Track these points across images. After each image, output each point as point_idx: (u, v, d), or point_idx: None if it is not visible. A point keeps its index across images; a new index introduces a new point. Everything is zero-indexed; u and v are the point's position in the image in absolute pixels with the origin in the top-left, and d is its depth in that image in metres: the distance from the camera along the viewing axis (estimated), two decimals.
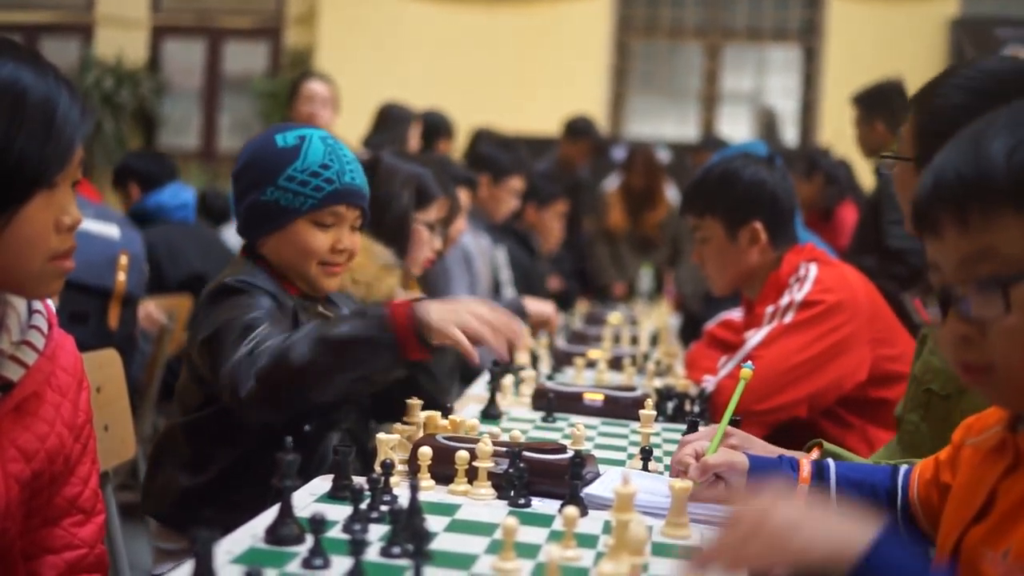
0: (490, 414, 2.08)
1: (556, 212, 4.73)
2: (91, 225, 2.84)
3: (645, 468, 1.66)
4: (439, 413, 1.71)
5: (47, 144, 1.12)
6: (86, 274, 2.77)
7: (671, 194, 6.23)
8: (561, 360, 2.82)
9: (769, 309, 2.24)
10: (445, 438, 1.56)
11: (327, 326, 1.56)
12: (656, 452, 1.73)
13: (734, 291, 2.48)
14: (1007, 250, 0.92)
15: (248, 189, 1.74)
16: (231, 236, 5.16)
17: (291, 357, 1.52)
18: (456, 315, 1.54)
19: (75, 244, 1.19)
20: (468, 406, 2.17)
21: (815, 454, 1.58)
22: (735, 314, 2.69)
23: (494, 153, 4.23)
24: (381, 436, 1.50)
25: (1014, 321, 0.92)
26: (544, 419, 2.08)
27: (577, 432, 1.74)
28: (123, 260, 2.89)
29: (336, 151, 1.76)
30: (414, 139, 4.94)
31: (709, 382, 2.21)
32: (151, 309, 3.35)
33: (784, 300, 2.22)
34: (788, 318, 2.18)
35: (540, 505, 1.42)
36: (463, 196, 3.24)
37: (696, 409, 2.08)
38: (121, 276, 2.88)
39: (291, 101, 4.79)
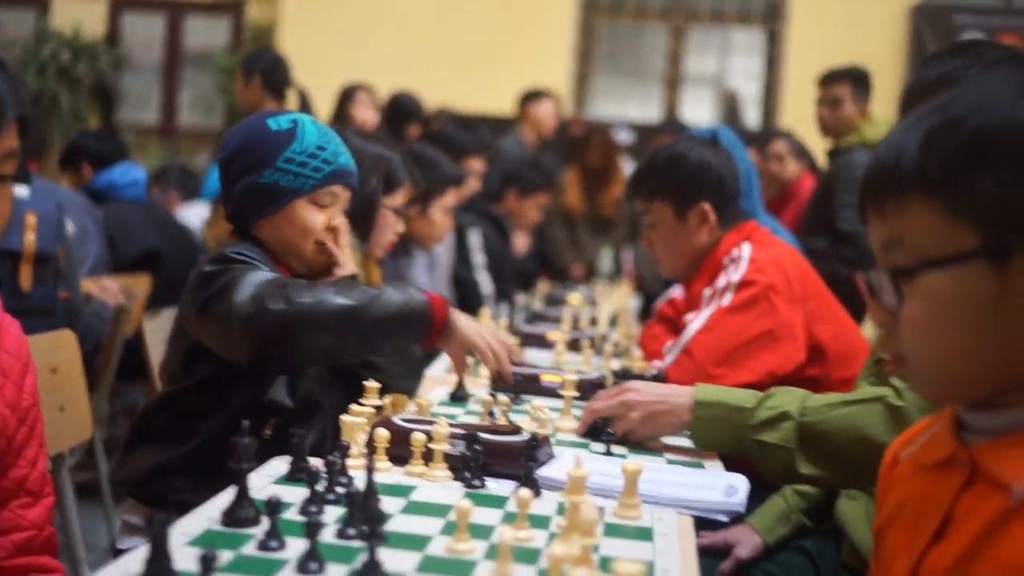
0: (457, 396, 2.10)
1: (536, 203, 4.81)
2: None
3: (608, 452, 1.69)
4: (405, 395, 1.74)
5: None
6: None
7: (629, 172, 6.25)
8: (521, 341, 2.84)
9: (707, 292, 2.27)
10: (402, 420, 1.57)
11: (365, 291, 1.61)
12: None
13: (685, 273, 2.50)
14: (913, 239, 0.91)
15: (242, 173, 1.75)
16: (191, 215, 5.12)
17: (325, 304, 1.57)
18: (477, 332, 1.70)
19: None
20: (436, 388, 2.18)
21: None
22: (678, 291, 2.72)
23: (454, 133, 4.22)
24: (344, 418, 1.51)
25: (909, 311, 0.91)
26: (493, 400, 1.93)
27: (542, 415, 1.76)
28: (31, 220, 2.84)
29: (327, 133, 1.80)
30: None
31: (657, 368, 2.24)
32: (108, 284, 3.31)
33: (721, 282, 2.24)
34: (726, 300, 2.20)
35: (495, 486, 1.44)
36: (451, 196, 3.26)
37: None
38: (30, 236, 2.84)
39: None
